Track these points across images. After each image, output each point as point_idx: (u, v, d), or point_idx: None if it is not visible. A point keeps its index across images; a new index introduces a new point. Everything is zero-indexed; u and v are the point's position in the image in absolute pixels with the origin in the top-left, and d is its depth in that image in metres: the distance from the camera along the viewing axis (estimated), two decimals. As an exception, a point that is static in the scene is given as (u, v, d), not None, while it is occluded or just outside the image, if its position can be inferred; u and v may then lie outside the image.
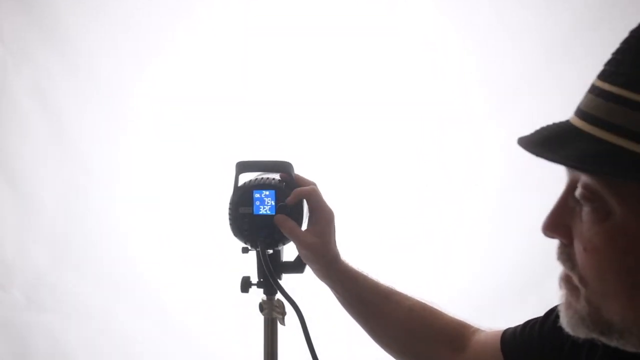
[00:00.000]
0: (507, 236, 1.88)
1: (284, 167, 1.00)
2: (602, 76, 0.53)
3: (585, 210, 0.55)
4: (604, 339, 0.57)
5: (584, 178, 0.54)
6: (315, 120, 1.90)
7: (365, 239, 1.83)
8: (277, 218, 0.96)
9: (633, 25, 0.54)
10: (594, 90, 0.54)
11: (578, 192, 0.56)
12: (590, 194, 0.54)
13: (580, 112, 0.55)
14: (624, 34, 0.54)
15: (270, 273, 0.92)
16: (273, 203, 0.96)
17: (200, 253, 1.88)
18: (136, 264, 1.93)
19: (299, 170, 1.03)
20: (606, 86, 0.52)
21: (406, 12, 1.91)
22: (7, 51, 1.88)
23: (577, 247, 0.57)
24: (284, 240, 0.97)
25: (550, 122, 0.60)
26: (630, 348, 0.56)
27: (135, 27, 1.93)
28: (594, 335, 0.58)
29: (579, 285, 0.58)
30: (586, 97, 0.55)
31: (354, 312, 1.02)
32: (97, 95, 1.93)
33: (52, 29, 1.90)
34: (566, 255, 0.59)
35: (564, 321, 0.60)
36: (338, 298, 1.02)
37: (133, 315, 1.93)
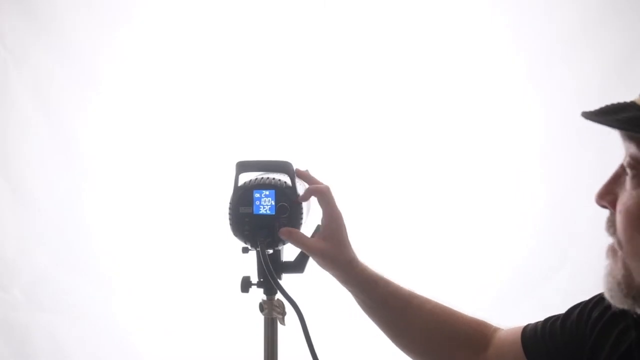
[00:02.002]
0: (517, 233, 1.89)
1: (284, 167, 1.00)
2: None
3: (628, 177, 0.60)
4: (637, 308, 0.61)
5: (631, 148, 0.59)
6: (315, 120, 1.90)
7: (373, 238, 1.83)
8: (282, 232, 0.95)
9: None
10: None
11: (625, 161, 0.60)
12: (633, 161, 0.59)
13: None
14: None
15: (270, 273, 0.92)
16: (273, 203, 0.96)
17: (200, 253, 1.88)
18: (136, 264, 1.93)
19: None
20: None
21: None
22: (7, 51, 1.88)
23: (618, 211, 0.61)
24: (284, 240, 0.97)
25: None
26: None
27: (136, 27, 1.93)
28: (628, 303, 0.61)
29: (618, 249, 0.62)
30: None
31: (376, 317, 1.01)
32: (97, 95, 1.93)
33: (52, 29, 1.90)
34: (611, 222, 0.63)
35: (605, 289, 0.64)
36: (359, 303, 1.01)
37: (133, 316, 1.93)
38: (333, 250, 0.96)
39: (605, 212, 0.65)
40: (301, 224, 0.98)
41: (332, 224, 0.97)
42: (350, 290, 1.00)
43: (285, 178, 0.99)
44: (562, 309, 0.90)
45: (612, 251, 0.63)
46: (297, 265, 1.01)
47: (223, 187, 1.02)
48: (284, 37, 1.91)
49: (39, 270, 1.90)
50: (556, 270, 1.88)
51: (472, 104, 1.90)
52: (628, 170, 0.60)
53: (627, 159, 0.60)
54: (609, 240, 0.64)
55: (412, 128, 1.92)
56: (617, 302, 0.63)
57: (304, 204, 0.99)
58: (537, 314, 0.93)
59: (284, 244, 0.99)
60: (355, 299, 1.02)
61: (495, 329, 0.98)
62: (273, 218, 0.95)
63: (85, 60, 1.91)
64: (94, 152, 1.93)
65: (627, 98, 1.91)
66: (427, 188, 1.92)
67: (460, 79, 1.90)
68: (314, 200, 1.02)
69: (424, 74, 1.92)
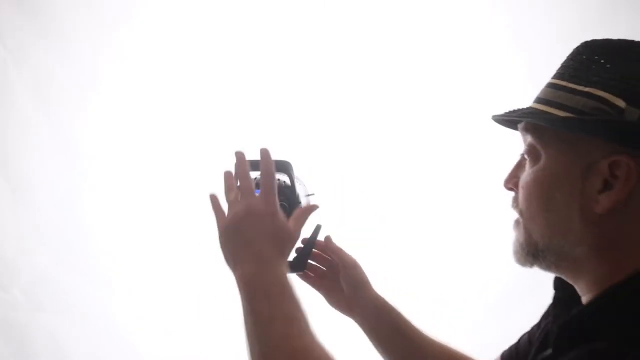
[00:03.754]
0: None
1: (283, 167, 1.00)
2: (554, 77, 0.76)
3: (527, 161, 0.76)
4: (537, 265, 0.75)
5: (529, 139, 0.74)
6: (315, 120, 1.90)
7: (375, 239, 1.83)
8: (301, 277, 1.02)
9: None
10: (548, 85, 0.76)
11: (524, 150, 0.76)
12: (530, 148, 0.75)
13: (536, 99, 0.77)
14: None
15: None
16: None
17: (200, 253, 1.88)
18: (136, 264, 1.93)
19: (299, 170, 1.03)
20: (551, 81, 0.76)
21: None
22: (7, 51, 1.88)
23: (519, 191, 0.76)
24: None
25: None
26: (557, 272, 0.75)
27: (136, 27, 1.93)
28: (530, 262, 0.75)
29: (520, 218, 0.77)
30: (542, 90, 0.77)
31: (391, 346, 1.04)
32: (97, 95, 1.93)
33: (52, 29, 1.90)
34: (515, 200, 0.78)
35: (513, 253, 0.78)
36: (370, 333, 1.05)
37: (133, 316, 1.93)
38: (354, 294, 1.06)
39: None
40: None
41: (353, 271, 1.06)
42: (360, 319, 1.06)
43: (284, 178, 0.99)
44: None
45: (516, 223, 0.78)
46: (297, 265, 1.01)
47: (223, 187, 1.02)
48: (284, 37, 1.91)
49: (39, 270, 1.90)
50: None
51: (472, 104, 1.90)
52: (527, 157, 0.76)
53: (526, 147, 0.76)
54: (514, 216, 0.79)
55: (412, 128, 1.92)
56: (520, 262, 0.77)
57: (304, 204, 0.99)
58: (539, 314, 0.93)
59: None
60: (366, 329, 1.07)
61: None
62: None
63: (85, 60, 1.91)
64: (94, 152, 1.93)
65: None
66: (428, 188, 1.92)
67: (460, 79, 1.90)
68: (314, 201, 1.03)
69: (424, 74, 1.92)
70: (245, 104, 1.91)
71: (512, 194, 0.79)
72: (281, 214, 0.89)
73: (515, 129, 0.79)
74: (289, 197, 0.96)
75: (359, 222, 1.84)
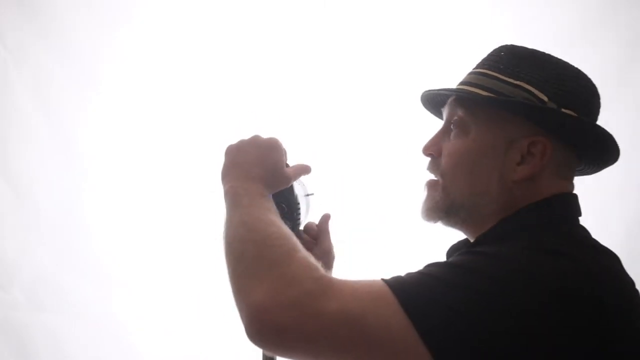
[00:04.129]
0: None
1: None
2: (476, 67, 0.90)
3: (454, 132, 0.87)
4: (445, 221, 0.89)
5: (459, 112, 0.87)
6: (314, 120, 1.90)
7: (374, 238, 1.83)
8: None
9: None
10: (476, 73, 0.89)
11: (454, 120, 0.87)
12: (460, 120, 0.87)
13: (463, 82, 0.90)
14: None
15: None
16: None
17: (200, 253, 1.88)
18: (136, 264, 1.93)
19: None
20: (477, 70, 0.89)
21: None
22: (7, 51, 1.88)
23: (444, 156, 0.88)
24: None
25: None
26: (460, 226, 0.89)
27: (136, 27, 1.93)
28: (441, 217, 0.88)
29: (440, 179, 0.88)
30: (467, 76, 0.90)
31: None
32: (97, 95, 1.93)
33: (52, 29, 1.90)
34: (436, 165, 0.89)
35: (422, 210, 0.90)
36: None
37: (133, 316, 1.93)
38: None
39: None
40: (299, 224, 0.98)
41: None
42: None
43: None
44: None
45: (432, 184, 0.90)
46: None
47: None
48: (284, 37, 1.91)
49: (39, 270, 1.90)
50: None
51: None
52: (453, 127, 0.88)
53: (456, 118, 0.87)
54: (430, 177, 0.90)
55: (412, 128, 1.92)
56: (430, 217, 0.90)
57: (302, 207, 0.99)
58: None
59: None
60: None
61: None
62: None
63: (85, 60, 1.91)
64: (94, 152, 1.93)
65: (627, 97, 1.91)
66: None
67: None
68: (311, 203, 1.02)
69: (424, 74, 1.91)
70: (245, 103, 1.91)
71: (428, 159, 0.91)
72: (282, 152, 0.94)
73: (436, 112, 0.95)
74: (286, 198, 0.96)
75: (359, 222, 1.84)
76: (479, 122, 0.85)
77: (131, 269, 1.93)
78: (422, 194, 0.91)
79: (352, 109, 1.92)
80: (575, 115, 0.82)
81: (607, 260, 0.77)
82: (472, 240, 0.88)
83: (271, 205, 0.85)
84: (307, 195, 1.04)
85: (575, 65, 0.88)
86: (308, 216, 1.05)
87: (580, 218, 0.86)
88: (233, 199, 0.85)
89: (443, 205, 0.87)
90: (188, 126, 1.92)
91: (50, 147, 1.92)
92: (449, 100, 0.90)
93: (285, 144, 0.97)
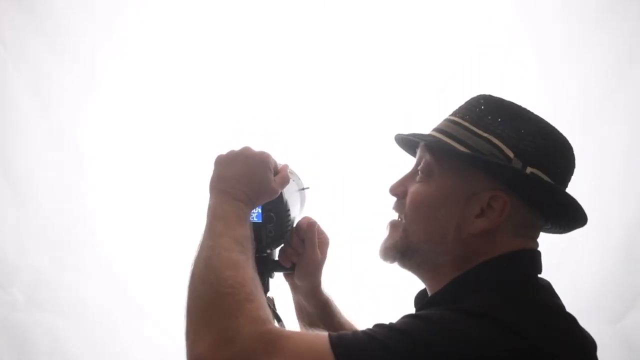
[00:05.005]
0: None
1: None
2: (452, 114, 0.90)
3: (419, 176, 0.88)
4: (401, 262, 0.87)
5: (427, 158, 0.88)
6: (313, 121, 1.90)
7: (374, 239, 1.83)
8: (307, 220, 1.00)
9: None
10: (450, 120, 0.89)
11: (421, 166, 0.88)
12: (426, 165, 0.88)
13: (436, 129, 0.91)
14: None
15: (260, 276, 0.91)
16: (260, 210, 0.96)
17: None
18: (136, 264, 1.93)
19: (294, 165, 1.02)
20: (451, 118, 0.89)
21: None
22: (7, 51, 1.88)
23: (408, 198, 0.88)
24: (272, 246, 0.97)
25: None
26: (415, 271, 0.88)
27: (135, 27, 1.93)
28: (397, 258, 0.87)
29: (403, 220, 0.88)
30: (441, 123, 0.90)
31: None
32: (97, 95, 1.93)
33: (52, 29, 1.90)
34: (401, 205, 0.90)
35: (380, 249, 0.90)
36: (309, 313, 1.05)
37: (133, 316, 1.93)
38: (310, 288, 1.04)
39: None
40: (287, 232, 0.97)
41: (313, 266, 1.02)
42: (311, 304, 1.05)
43: None
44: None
45: (394, 224, 0.90)
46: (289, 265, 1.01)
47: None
48: (284, 37, 1.91)
49: (39, 270, 1.90)
50: (556, 270, 1.87)
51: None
52: (420, 171, 0.88)
53: (422, 164, 0.88)
54: (394, 217, 0.91)
55: (412, 128, 1.92)
56: (386, 256, 0.89)
57: (292, 215, 0.98)
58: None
59: (271, 249, 0.99)
60: (305, 309, 1.06)
61: None
62: (260, 226, 0.96)
63: (84, 59, 1.91)
64: (94, 152, 1.93)
65: (628, 97, 1.90)
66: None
67: (460, 80, 1.90)
68: (306, 197, 1.02)
69: (424, 74, 1.92)
70: (245, 103, 1.91)
71: (395, 199, 0.91)
72: (271, 168, 0.93)
73: (409, 151, 0.96)
74: (276, 206, 0.95)
75: (358, 222, 1.84)
76: (443, 170, 0.86)
77: (131, 269, 1.93)
78: (383, 233, 0.91)
79: (352, 109, 1.92)
80: (540, 175, 0.82)
81: (555, 320, 0.77)
82: (428, 292, 0.88)
83: (245, 233, 0.86)
84: (302, 189, 1.04)
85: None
86: (303, 211, 1.04)
87: (540, 275, 0.86)
88: (210, 221, 0.88)
89: (401, 246, 0.87)
90: (188, 125, 1.92)
91: (50, 147, 1.92)
92: (421, 144, 0.91)
93: (281, 150, 0.97)
